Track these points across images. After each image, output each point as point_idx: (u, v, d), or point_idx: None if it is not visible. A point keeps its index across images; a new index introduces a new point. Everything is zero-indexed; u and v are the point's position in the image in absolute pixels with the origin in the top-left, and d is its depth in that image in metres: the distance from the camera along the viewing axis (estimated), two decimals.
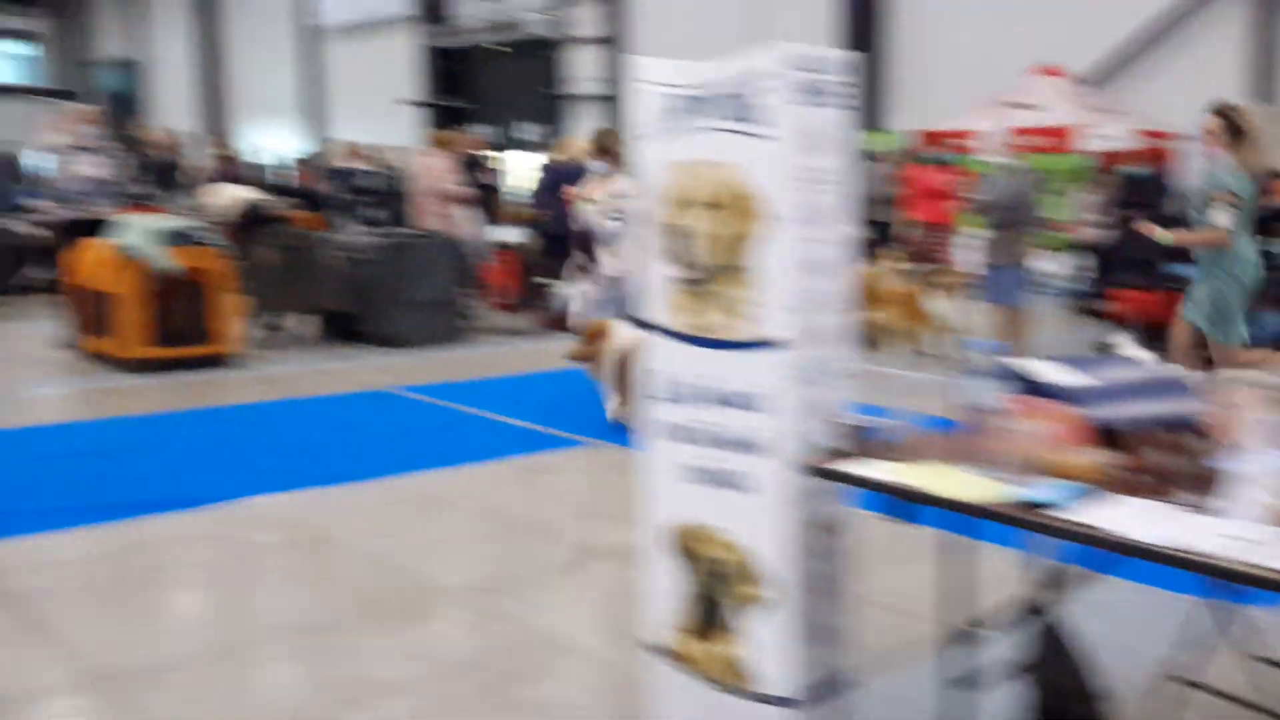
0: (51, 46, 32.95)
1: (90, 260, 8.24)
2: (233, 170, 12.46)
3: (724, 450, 2.45)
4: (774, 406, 2.35)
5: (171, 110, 27.53)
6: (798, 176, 2.28)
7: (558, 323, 10.09)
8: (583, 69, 19.72)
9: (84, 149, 8.76)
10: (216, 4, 27.10)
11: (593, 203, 7.02)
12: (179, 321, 8.05)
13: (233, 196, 10.68)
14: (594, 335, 6.42)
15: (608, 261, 7.05)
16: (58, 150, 9.36)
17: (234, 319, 8.43)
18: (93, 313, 8.31)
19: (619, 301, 7.16)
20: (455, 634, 3.68)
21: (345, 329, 9.52)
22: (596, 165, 7.11)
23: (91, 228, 8.51)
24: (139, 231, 7.95)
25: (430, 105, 22.90)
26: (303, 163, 17.08)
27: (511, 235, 10.80)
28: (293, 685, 3.32)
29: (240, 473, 5.46)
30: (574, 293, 10.08)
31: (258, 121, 26.10)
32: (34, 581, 4.02)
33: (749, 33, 15.78)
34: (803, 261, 2.29)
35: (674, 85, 2.43)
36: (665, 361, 2.57)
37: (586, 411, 6.59)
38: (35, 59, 33.41)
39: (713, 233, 2.38)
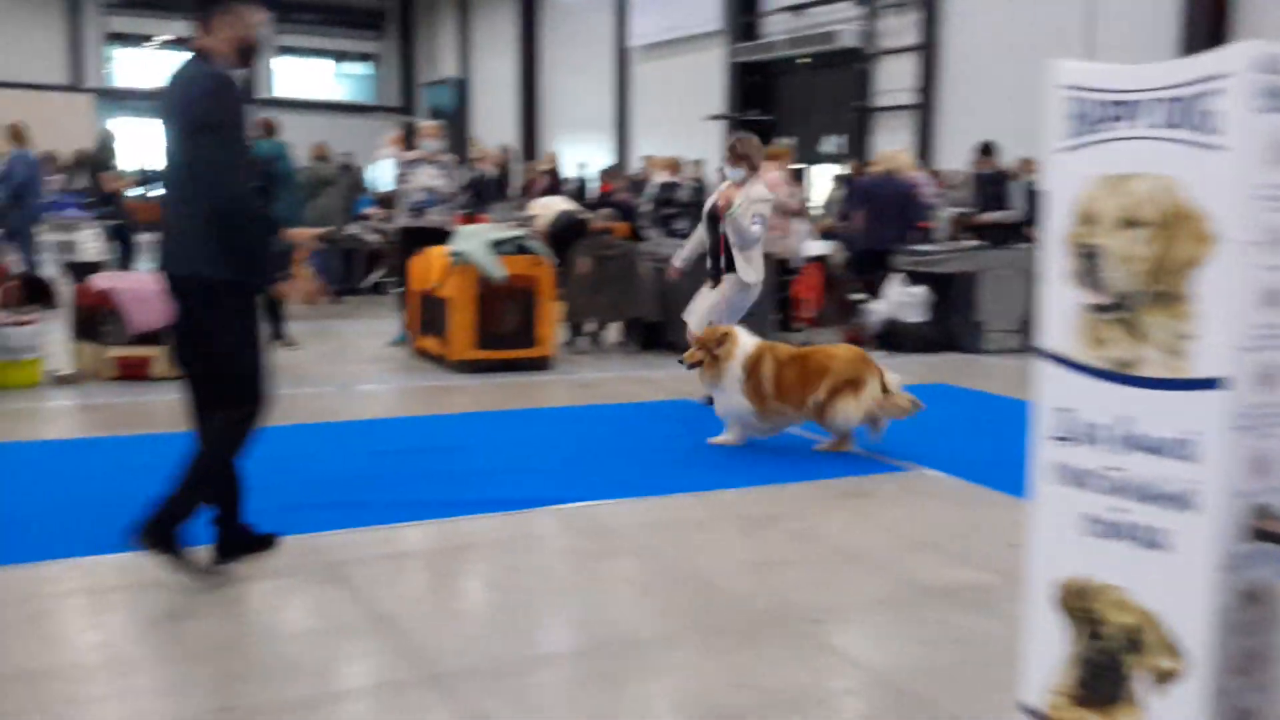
0: (387, 67, 35.79)
1: (427, 266, 8.76)
2: (554, 183, 12.95)
3: (1139, 501, 2.16)
4: (1210, 456, 2.04)
5: (491, 125, 29.18)
6: (1255, 193, 1.96)
7: (866, 339, 9.81)
8: (890, 80, 19.23)
9: (425, 162, 9.31)
10: (538, 26, 28.50)
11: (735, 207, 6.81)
12: (505, 326, 8.42)
13: (554, 208, 11.11)
14: (716, 342, 6.15)
15: (743, 268, 6.80)
16: (399, 162, 9.99)
17: (553, 325, 8.72)
18: (427, 315, 8.83)
19: (743, 309, 6.93)
20: (785, 665, 3.53)
21: (653, 338, 9.66)
22: (733, 172, 6.90)
23: (429, 236, 9.05)
24: (472, 240, 8.37)
25: (733, 119, 23.09)
26: (607, 175, 17.62)
27: (818, 248, 10.61)
28: (636, 704, 3.26)
29: (560, 476, 5.56)
30: (882, 308, 9.79)
31: (569, 136, 27.21)
32: (379, 573, 4.20)
33: (1074, 39, 14.86)
34: (1259, 292, 1.97)
35: (1099, 89, 2.16)
36: (1066, 397, 2.29)
37: (902, 435, 6.29)
38: (372, 78, 36.39)
39: (1139, 254, 2.10)
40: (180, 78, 3.86)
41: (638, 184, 14.46)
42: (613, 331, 10.05)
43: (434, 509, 4.93)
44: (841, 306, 10.15)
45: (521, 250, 8.45)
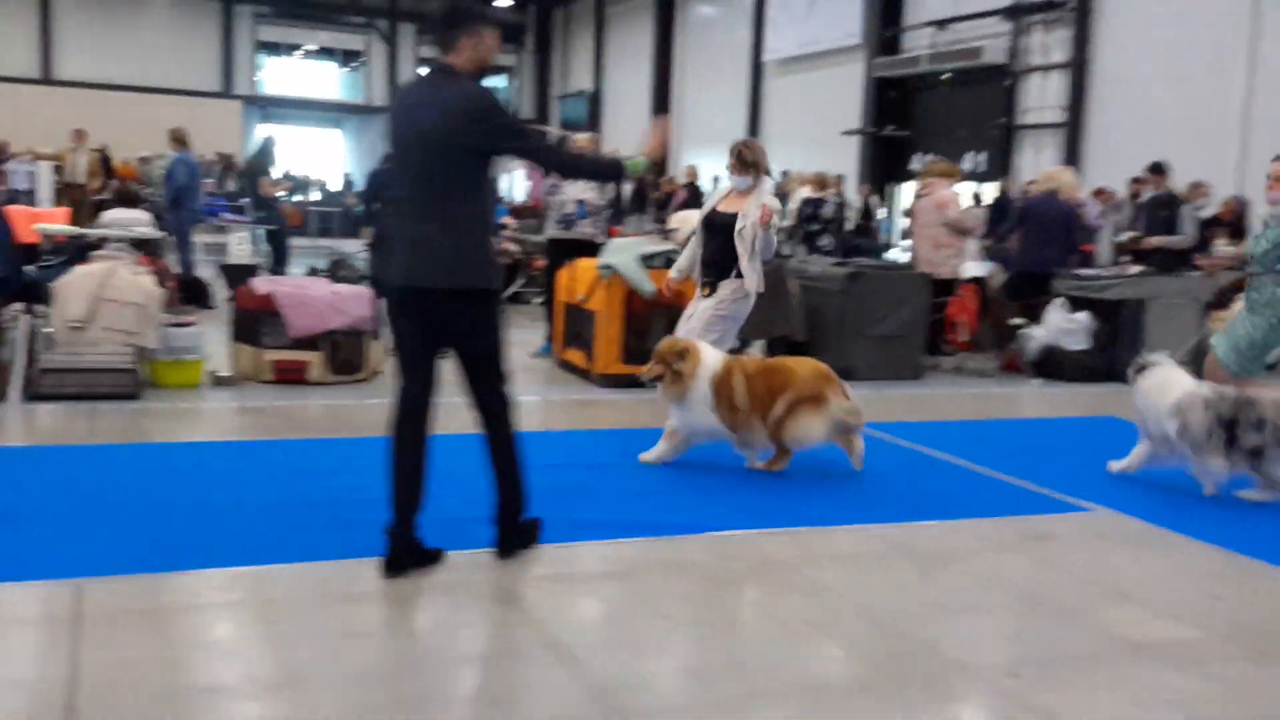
0: (523, 80, 36.27)
1: (574, 278, 8.69)
2: (694, 195, 12.84)
3: None
4: None
5: (623, 138, 29.29)
6: None
7: (1023, 366, 9.42)
8: (1036, 97, 18.62)
9: None
10: (674, 39, 28.54)
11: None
12: (652, 341, 8.26)
13: (692, 221, 10.95)
14: (676, 355, 5.83)
15: (750, 277, 6.38)
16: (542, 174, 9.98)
17: None
18: (573, 327, 8.76)
19: (742, 320, 6.60)
20: None
21: (799, 357, 9.42)
22: (739, 180, 6.47)
23: (577, 248, 8.99)
24: (623, 254, 8.27)
25: (870, 134, 22.68)
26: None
27: (975, 269, 10.22)
28: None
29: (716, 501, 5.37)
30: (1041, 334, 9.36)
31: (701, 149, 27.13)
32: (546, 595, 4.08)
33: (1236, 59, 14.15)
34: None
35: None
36: None
37: (1083, 470, 5.94)
38: (507, 90, 36.90)
39: None
40: (436, 94, 3.99)
41: (778, 198, 14.21)
42: (755, 350, 9.84)
43: (592, 529, 4.79)
44: (997, 330, 9.75)
45: (671, 265, 8.30)
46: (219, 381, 7.58)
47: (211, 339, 8.12)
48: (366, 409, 7.15)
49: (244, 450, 5.98)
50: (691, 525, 4.92)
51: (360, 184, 30.33)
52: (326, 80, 34.48)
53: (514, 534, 4.38)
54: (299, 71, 33.88)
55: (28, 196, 15.38)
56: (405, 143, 4.06)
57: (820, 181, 11.68)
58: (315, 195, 27.08)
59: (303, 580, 4.07)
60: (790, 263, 9.78)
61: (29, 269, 7.64)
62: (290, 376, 7.69)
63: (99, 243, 7.81)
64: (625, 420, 7.28)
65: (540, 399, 8.15)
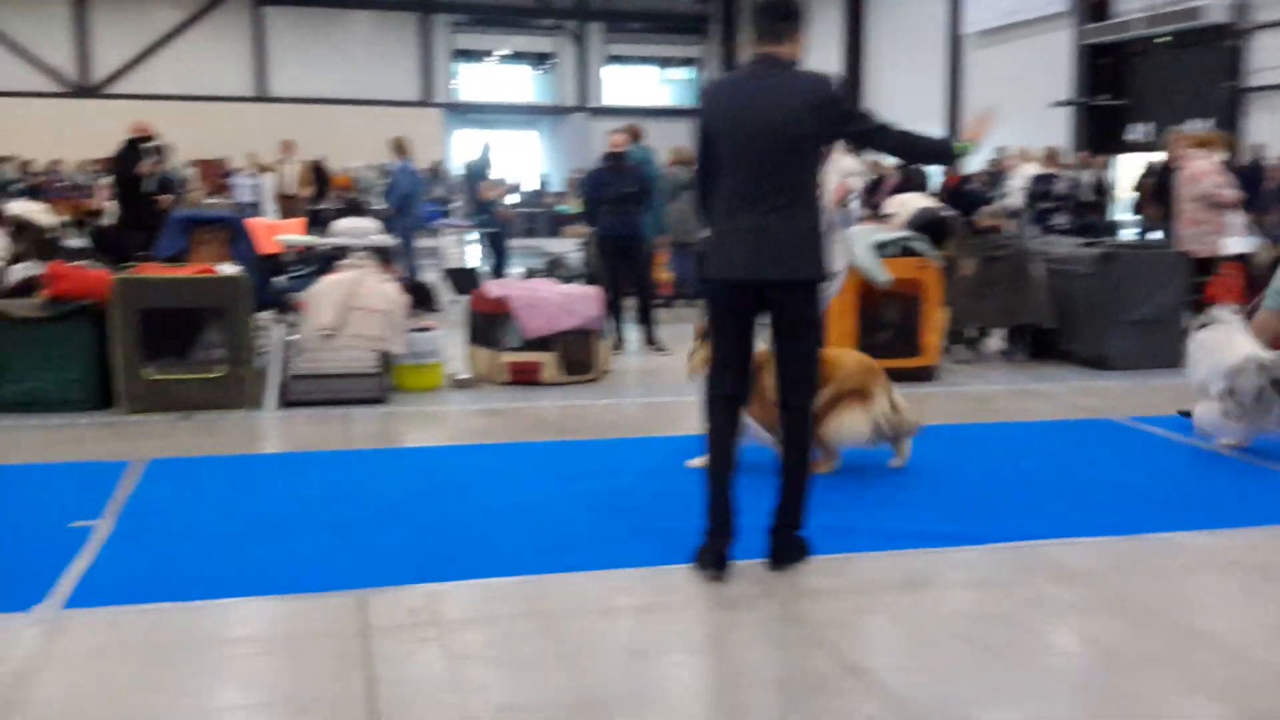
0: (710, 70, 36.07)
1: None
2: (908, 179, 12.33)
3: None
4: None
5: None
6: None
7: None
8: (1267, 57, 17.17)
9: None
10: (865, 18, 27.80)
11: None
12: (886, 333, 7.94)
13: (911, 205, 10.48)
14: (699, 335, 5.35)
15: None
16: None
17: (939, 332, 8.15)
18: None
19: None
20: None
21: (1044, 346, 8.88)
22: None
23: None
24: (855, 243, 7.93)
25: (1081, 104, 21.46)
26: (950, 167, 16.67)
27: (1239, 245, 9.38)
28: None
29: (983, 506, 5.00)
30: None
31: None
32: (833, 611, 3.84)
33: None
34: None
35: None
36: None
37: None
38: (694, 82, 36.79)
39: None
40: (777, 85, 3.97)
41: (993, 176, 13.56)
42: (994, 338, 9.33)
43: (859, 538, 4.52)
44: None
45: (907, 252, 7.93)
46: (458, 384, 7.66)
47: (445, 342, 8.24)
48: (602, 409, 7.09)
49: (498, 453, 5.95)
50: (964, 536, 4.57)
51: (556, 184, 30.85)
52: (520, 83, 35.19)
53: (793, 544, 4.18)
54: (494, 76, 34.70)
55: (252, 209, 16.20)
56: (743, 134, 3.98)
57: (1050, 157, 10.97)
58: (514, 197, 27.68)
59: (583, 590, 3.96)
60: (1033, 243, 9.19)
61: (278, 279, 7.93)
62: (525, 378, 7.70)
63: (342, 252, 8.03)
64: None
65: None
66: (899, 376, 7.84)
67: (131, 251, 9.02)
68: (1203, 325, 6.11)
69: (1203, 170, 8.82)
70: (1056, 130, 21.07)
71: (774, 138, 3.94)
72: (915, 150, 4.32)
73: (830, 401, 5.18)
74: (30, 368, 6.57)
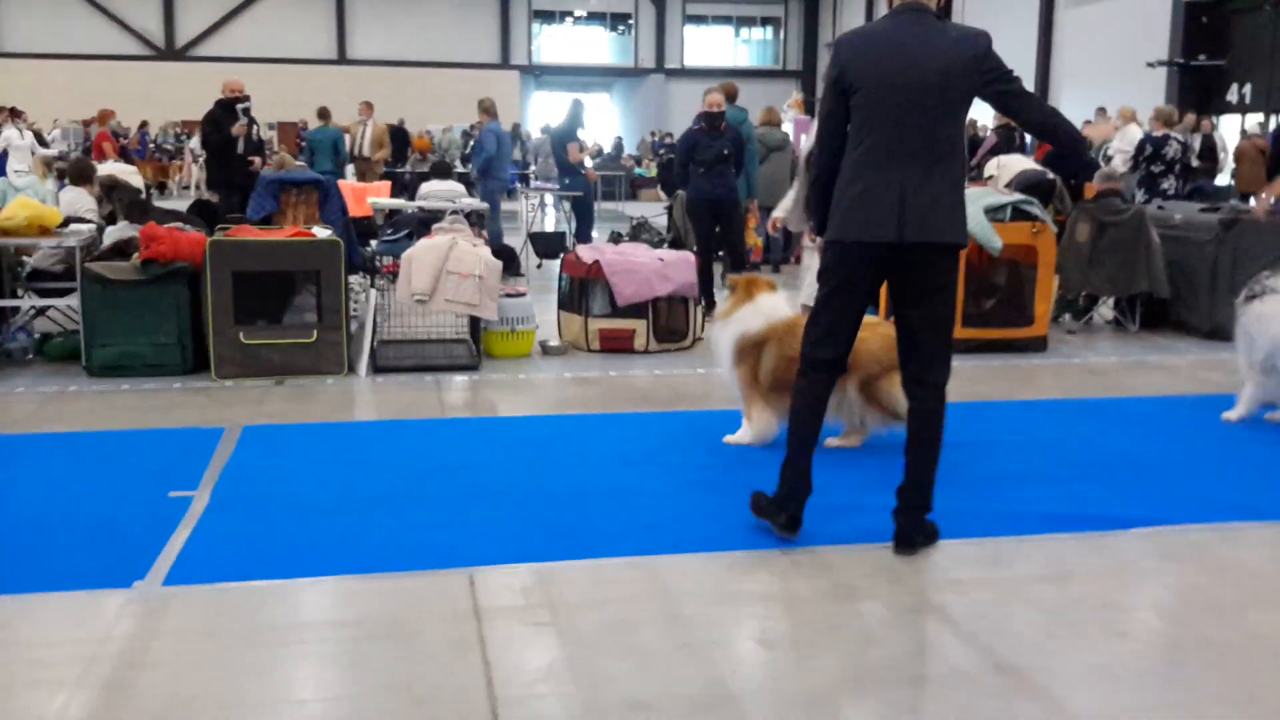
0: (789, 30, 35.39)
1: None
2: (1008, 139, 11.84)
3: None
4: None
5: None
6: None
7: None
8: None
9: None
10: None
11: None
12: (995, 301, 7.58)
13: (1013, 167, 10.03)
14: (738, 286, 5.17)
15: None
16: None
17: (1050, 301, 7.76)
18: None
19: None
20: None
21: (1158, 316, 8.44)
22: None
23: None
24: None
25: (1180, 65, 20.59)
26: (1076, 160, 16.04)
27: None
28: None
29: (1118, 488, 4.68)
30: None
31: None
32: (970, 604, 3.57)
33: None
34: None
35: None
36: None
37: None
38: (771, 42, 36.15)
39: None
40: (932, 37, 3.72)
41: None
42: (1105, 308, 8.90)
43: (988, 522, 4.24)
44: None
45: (1019, 216, 7.54)
46: (548, 351, 7.47)
47: (540, 308, 8.05)
48: (697, 379, 6.85)
49: (593, 424, 5.75)
50: (1104, 519, 4.28)
51: (630, 147, 30.51)
52: (596, 45, 34.85)
53: (923, 527, 3.93)
54: (570, 38, 34.40)
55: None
56: (891, 87, 3.71)
57: (1163, 118, 10.41)
58: (592, 161, 27.46)
59: (698, 574, 3.75)
60: (1150, 208, 8.72)
61: (372, 243, 7.77)
62: (616, 345, 7.49)
63: (434, 215, 7.85)
64: (971, 393, 6.55)
65: None
66: (1008, 347, 7.59)
67: (224, 214, 8.95)
68: (1252, 296, 5.73)
69: None
70: (1153, 92, 20.27)
71: (928, 90, 3.69)
72: (1057, 127, 3.89)
73: (861, 386, 4.96)
74: (125, 331, 6.51)
